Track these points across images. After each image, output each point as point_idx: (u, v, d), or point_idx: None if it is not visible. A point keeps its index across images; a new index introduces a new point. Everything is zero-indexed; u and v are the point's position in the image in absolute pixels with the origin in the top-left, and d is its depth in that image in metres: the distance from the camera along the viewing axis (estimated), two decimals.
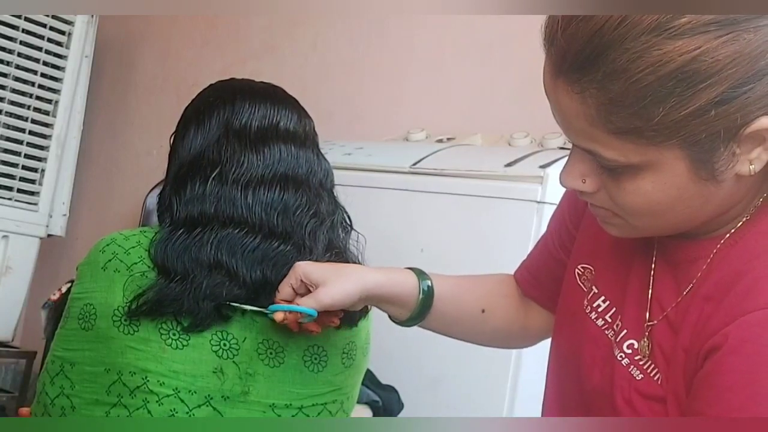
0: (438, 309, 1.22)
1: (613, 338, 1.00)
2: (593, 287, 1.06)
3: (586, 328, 1.04)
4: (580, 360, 1.04)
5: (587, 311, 1.05)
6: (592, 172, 0.91)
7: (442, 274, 1.26)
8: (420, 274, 1.21)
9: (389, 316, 1.22)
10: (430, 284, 1.20)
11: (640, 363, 0.96)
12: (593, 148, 0.87)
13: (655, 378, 0.95)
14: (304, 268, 1.18)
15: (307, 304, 1.16)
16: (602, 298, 1.04)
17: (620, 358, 0.98)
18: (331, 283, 1.16)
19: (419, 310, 1.20)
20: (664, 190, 0.87)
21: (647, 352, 0.96)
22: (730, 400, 0.85)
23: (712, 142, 0.84)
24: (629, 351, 0.98)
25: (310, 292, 1.17)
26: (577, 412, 1.04)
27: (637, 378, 0.96)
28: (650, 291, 0.99)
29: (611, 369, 0.99)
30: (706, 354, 0.88)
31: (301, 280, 1.18)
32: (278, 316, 1.19)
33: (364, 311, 1.36)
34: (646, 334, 0.97)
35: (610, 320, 1.02)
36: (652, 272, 0.99)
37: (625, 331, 0.99)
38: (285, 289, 1.19)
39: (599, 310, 1.03)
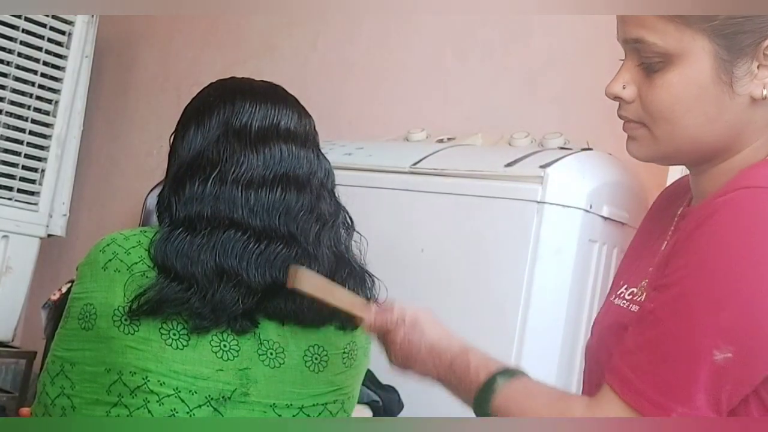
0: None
1: (618, 302, 1.09)
2: (620, 282, 1.14)
3: (607, 309, 1.13)
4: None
5: (612, 299, 1.13)
6: (632, 81, 1.02)
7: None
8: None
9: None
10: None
11: (638, 300, 1.05)
12: (640, 35, 0.99)
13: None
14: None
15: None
16: (625, 285, 1.11)
17: (621, 304, 1.08)
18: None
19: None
20: (688, 85, 0.98)
21: (644, 288, 1.05)
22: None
23: (737, 42, 0.95)
24: (629, 297, 1.07)
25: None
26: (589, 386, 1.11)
27: (633, 311, 1.05)
28: (661, 249, 1.07)
29: (610, 313, 1.10)
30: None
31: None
32: None
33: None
34: (645, 279, 1.06)
35: (621, 293, 1.10)
36: (668, 238, 1.08)
37: (625, 285, 1.09)
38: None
39: (619, 293, 1.11)
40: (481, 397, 1.07)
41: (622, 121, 1.06)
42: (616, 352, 0.98)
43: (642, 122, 1.03)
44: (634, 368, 0.95)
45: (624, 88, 1.03)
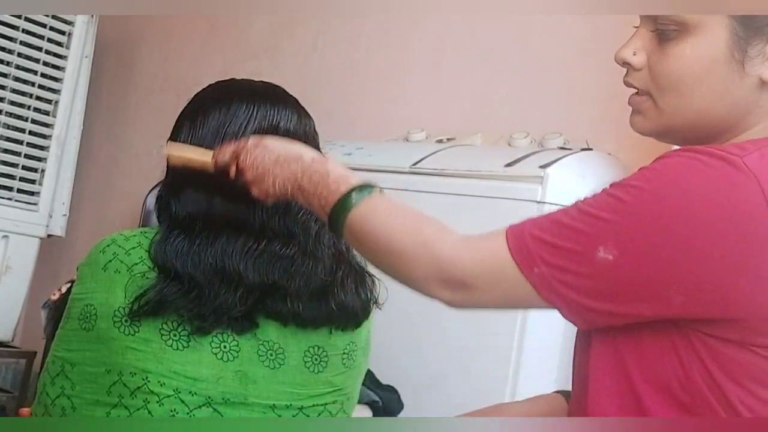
0: None
1: None
2: None
3: None
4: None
5: None
6: (644, 48, 1.02)
7: None
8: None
9: None
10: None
11: None
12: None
13: None
14: None
15: None
16: None
17: None
18: None
19: None
20: (700, 57, 0.97)
21: None
22: None
23: (754, 21, 0.95)
24: None
25: None
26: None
27: None
28: None
29: None
30: None
31: None
32: None
33: (366, 312, 1.36)
34: None
35: None
36: None
37: None
38: None
39: None
40: (338, 208, 1.07)
41: (628, 91, 1.05)
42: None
43: (648, 92, 1.02)
44: (533, 222, 0.97)
45: (634, 54, 1.02)
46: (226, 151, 1.22)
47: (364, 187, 1.08)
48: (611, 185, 0.96)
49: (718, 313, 0.92)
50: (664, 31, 0.99)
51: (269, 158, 1.17)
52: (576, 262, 0.93)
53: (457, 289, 0.98)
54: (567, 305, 0.95)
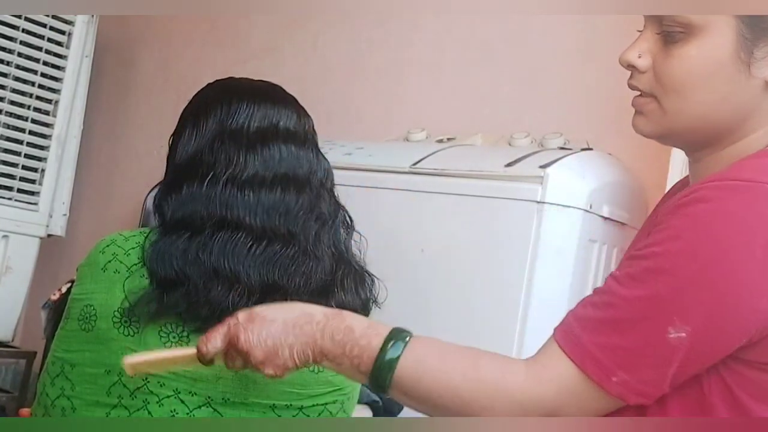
0: None
1: None
2: None
3: None
4: None
5: None
6: (649, 51, 1.01)
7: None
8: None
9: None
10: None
11: None
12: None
13: None
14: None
15: None
16: None
17: None
18: None
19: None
20: (706, 59, 0.97)
21: None
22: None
23: (760, 22, 0.94)
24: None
25: None
26: None
27: None
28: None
29: None
30: None
31: None
32: None
33: (366, 312, 1.36)
34: None
35: None
36: None
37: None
38: None
39: None
40: (380, 366, 0.98)
41: (629, 90, 1.05)
42: (570, 312, 0.98)
43: (652, 94, 1.01)
44: (584, 327, 0.94)
45: (639, 56, 1.01)
46: (216, 338, 1.05)
47: (397, 337, 0.99)
48: (639, 258, 0.94)
49: (746, 337, 0.92)
50: (670, 33, 0.98)
51: (275, 329, 1.02)
52: (652, 354, 0.91)
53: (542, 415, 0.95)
54: (658, 395, 0.93)
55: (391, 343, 0.98)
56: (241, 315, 1.05)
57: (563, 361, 0.94)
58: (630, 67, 1.03)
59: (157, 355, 1.12)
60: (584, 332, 0.94)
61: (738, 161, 0.97)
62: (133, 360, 1.08)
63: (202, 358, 1.06)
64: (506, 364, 0.98)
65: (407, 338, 0.99)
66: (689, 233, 0.91)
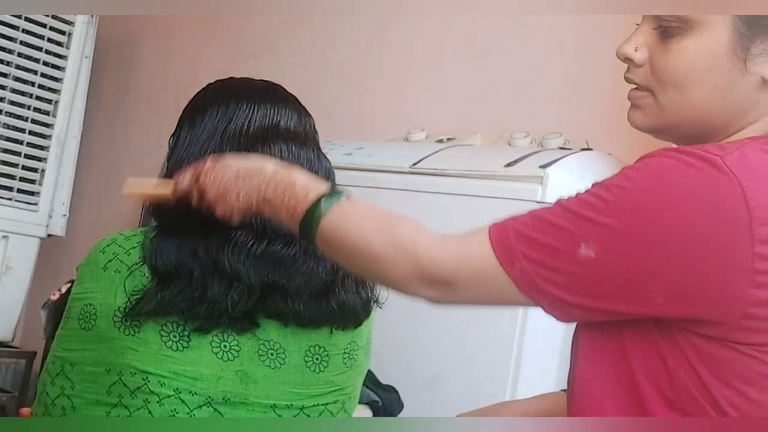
0: None
1: None
2: None
3: None
4: None
5: None
6: (645, 44, 1.01)
7: None
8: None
9: None
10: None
11: None
12: None
13: None
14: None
15: None
16: None
17: None
18: None
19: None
20: (703, 54, 0.97)
21: None
22: None
23: (758, 19, 0.95)
24: None
25: None
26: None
27: None
28: None
29: None
30: None
31: None
32: None
33: (367, 311, 1.36)
34: None
35: None
36: None
37: None
38: None
39: None
40: (309, 217, 1.05)
41: (628, 90, 1.05)
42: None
43: (648, 88, 1.02)
44: (516, 218, 0.97)
45: (636, 50, 1.02)
46: (185, 177, 1.19)
47: (333, 194, 1.07)
48: (594, 185, 0.97)
49: (698, 312, 0.92)
50: (667, 28, 0.99)
51: (229, 175, 1.14)
52: (558, 259, 0.93)
53: (439, 287, 0.98)
54: (547, 300, 0.95)
55: (324, 199, 1.06)
56: (209, 160, 1.17)
57: (481, 236, 0.97)
58: (627, 60, 1.03)
59: (144, 186, 1.29)
60: (511, 220, 0.97)
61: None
62: (130, 189, 1.27)
63: (174, 192, 1.21)
64: (422, 228, 1.01)
65: (341, 196, 1.06)
66: (640, 179, 0.93)
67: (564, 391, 1.25)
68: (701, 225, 0.89)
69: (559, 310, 0.96)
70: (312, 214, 1.05)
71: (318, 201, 1.06)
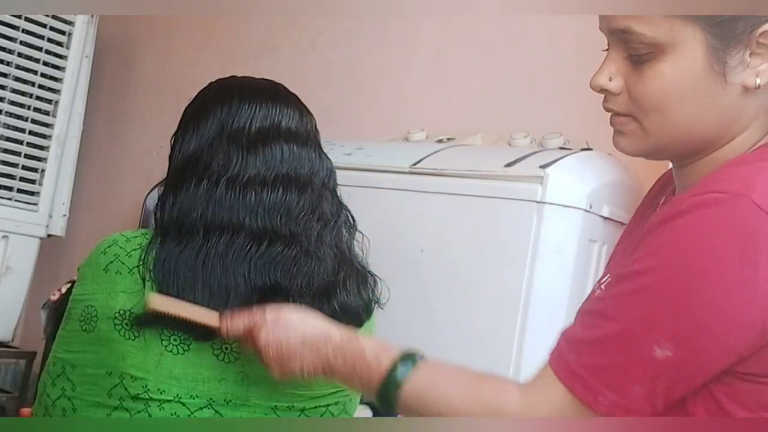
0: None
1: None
2: (606, 272, 1.14)
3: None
4: None
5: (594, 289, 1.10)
6: (619, 72, 0.99)
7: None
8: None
9: None
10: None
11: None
12: (627, 25, 0.95)
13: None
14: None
15: None
16: (607, 275, 1.09)
17: (597, 293, 1.05)
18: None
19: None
20: (681, 75, 0.95)
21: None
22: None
23: (729, 30, 0.92)
24: (604, 286, 1.04)
25: None
26: None
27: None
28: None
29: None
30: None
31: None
32: None
33: (368, 312, 1.36)
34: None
35: (602, 281, 1.08)
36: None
37: (607, 275, 1.06)
38: None
39: (601, 282, 1.09)
40: (388, 386, 1.05)
41: (609, 115, 1.03)
42: (562, 333, 0.98)
43: (631, 115, 1.00)
44: (573, 349, 0.95)
45: (610, 80, 1.00)
46: (238, 323, 1.19)
47: (407, 358, 1.06)
48: (622, 277, 0.95)
49: (748, 353, 0.91)
50: (638, 53, 0.96)
51: (295, 339, 1.14)
52: (639, 373, 0.91)
53: None
54: (649, 412, 0.93)
55: (399, 365, 1.05)
56: (270, 314, 1.15)
57: (554, 383, 0.95)
58: (602, 91, 1.01)
59: (179, 308, 1.20)
60: (572, 353, 0.95)
61: (717, 170, 0.96)
62: (155, 304, 1.19)
63: (217, 331, 1.19)
64: (503, 387, 1.00)
65: (415, 361, 1.06)
66: (667, 253, 0.91)
67: None
68: (748, 275, 0.88)
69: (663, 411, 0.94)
70: (389, 384, 1.05)
71: (393, 369, 1.05)
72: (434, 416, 1.02)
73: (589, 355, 0.94)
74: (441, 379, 1.04)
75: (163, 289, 1.22)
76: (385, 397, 1.05)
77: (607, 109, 1.03)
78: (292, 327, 1.14)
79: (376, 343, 1.11)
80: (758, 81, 0.94)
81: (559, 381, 0.95)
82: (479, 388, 1.00)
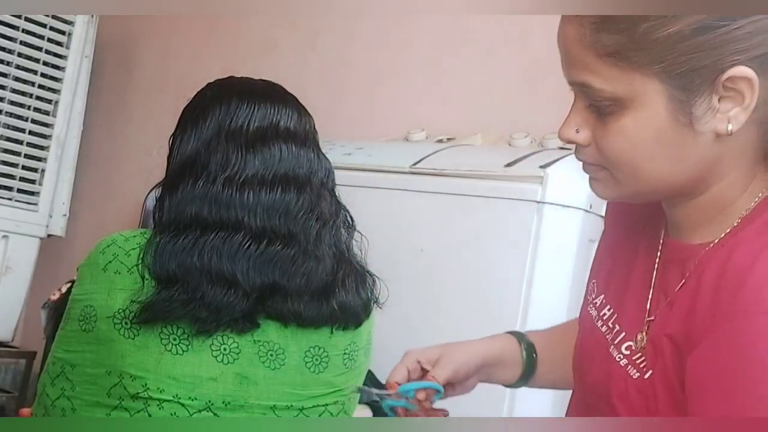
0: (543, 362, 1.23)
1: (611, 340, 1.02)
2: (600, 296, 1.08)
3: (594, 334, 1.06)
4: (583, 358, 1.08)
5: (595, 320, 1.06)
6: (585, 123, 0.95)
7: (537, 330, 1.27)
8: (518, 335, 1.23)
9: (501, 382, 1.24)
10: (529, 342, 1.22)
11: (637, 362, 0.97)
12: (586, 79, 0.92)
13: (647, 374, 0.96)
14: (418, 351, 1.21)
15: (435, 374, 1.15)
16: (607, 306, 1.05)
17: (618, 359, 0.99)
18: (448, 356, 1.17)
19: (526, 370, 1.21)
20: (644, 129, 0.91)
21: (643, 346, 0.97)
22: (700, 398, 0.87)
23: (691, 80, 0.88)
24: (627, 352, 0.99)
25: (423, 376, 1.17)
26: (579, 411, 1.07)
27: (634, 377, 0.97)
28: (651, 291, 1.00)
29: (608, 368, 1.00)
30: (689, 345, 0.90)
31: (417, 361, 1.19)
32: (401, 412, 1.15)
33: (367, 312, 1.36)
34: (645, 329, 0.98)
35: (611, 326, 1.04)
36: (655, 272, 1.01)
37: (623, 333, 1.00)
38: (400, 373, 1.18)
39: (604, 318, 1.05)
40: None
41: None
42: None
43: (601, 165, 0.96)
44: None
45: (577, 131, 0.96)
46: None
47: None
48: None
49: None
50: (600, 107, 0.93)
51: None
52: None
53: None
54: None
55: None
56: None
57: None
58: (571, 142, 0.98)
59: None
60: None
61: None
62: None
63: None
64: None
65: None
66: (732, 360, 0.85)
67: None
68: None
69: None
70: None
71: None
72: None
73: None
74: None
75: (156, 276, 1.22)
76: None
77: (578, 159, 0.99)
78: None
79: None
80: (730, 127, 0.89)
81: None
82: None
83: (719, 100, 0.89)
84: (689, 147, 0.91)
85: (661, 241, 1.03)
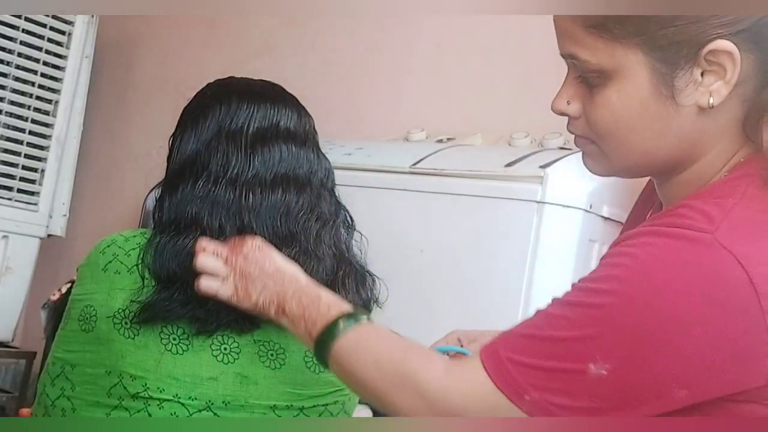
0: None
1: None
2: None
3: None
4: None
5: None
6: (576, 96, 0.98)
7: None
8: None
9: None
10: None
11: None
12: (573, 51, 0.94)
13: None
14: (461, 331, 1.27)
15: (470, 349, 1.22)
16: None
17: None
18: (485, 337, 1.20)
19: None
20: (628, 101, 0.93)
21: None
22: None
23: (673, 53, 0.90)
24: None
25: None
26: None
27: None
28: None
29: None
30: None
31: (458, 339, 1.25)
32: None
33: (367, 312, 1.36)
34: None
35: None
36: None
37: None
38: (440, 343, 1.27)
39: None
40: (326, 334, 1.07)
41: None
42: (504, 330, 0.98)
43: (590, 138, 0.99)
44: (506, 343, 0.94)
45: (568, 103, 0.98)
46: (220, 245, 1.21)
47: (354, 316, 1.08)
48: (578, 289, 0.93)
49: (722, 392, 0.89)
50: (588, 78, 0.95)
51: (269, 267, 1.17)
52: (568, 382, 0.90)
53: (448, 417, 0.97)
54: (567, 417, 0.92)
55: (344, 318, 1.07)
56: (256, 240, 1.20)
57: (480, 370, 0.94)
58: (563, 114, 1.00)
59: None
60: (504, 347, 0.94)
61: (692, 198, 0.94)
62: None
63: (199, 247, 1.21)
64: (430, 359, 1.01)
65: (360, 319, 1.08)
66: (628, 276, 0.89)
67: None
68: (711, 316, 0.86)
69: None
70: (328, 333, 1.07)
71: (338, 319, 1.07)
72: (359, 374, 1.03)
73: (520, 352, 0.92)
74: (375, 339, 1.05)
75: (158, 279, 1.22)
76: (321, 346, 1.07)
77: (570, 131, 1.02)
78: (270, 257, 1.18)
79: (334, 297, 1.14)
80: (711, 101, 0.91)
81: (483, 369, 0.94)
82: (409, 354, 1.01)
83: (702, 73, 0.91)
84: (672, 120, 0.93)
85: (648, 215, 1.07)
